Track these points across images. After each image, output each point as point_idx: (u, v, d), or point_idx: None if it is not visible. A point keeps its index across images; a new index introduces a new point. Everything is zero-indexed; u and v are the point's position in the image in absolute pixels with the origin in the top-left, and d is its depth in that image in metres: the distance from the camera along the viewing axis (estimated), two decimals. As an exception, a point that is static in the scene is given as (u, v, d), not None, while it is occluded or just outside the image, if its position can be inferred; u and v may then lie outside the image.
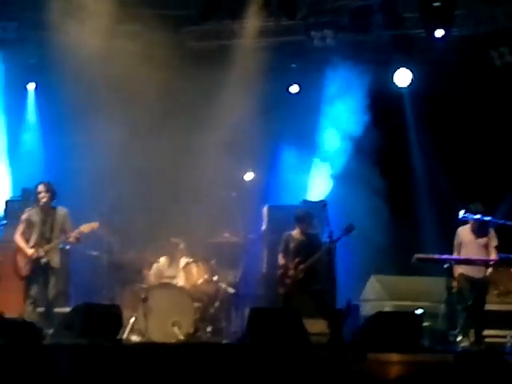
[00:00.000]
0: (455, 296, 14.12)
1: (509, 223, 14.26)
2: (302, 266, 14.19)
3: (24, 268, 13.78)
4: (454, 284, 14.09)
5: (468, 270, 14.01)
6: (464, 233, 14.26)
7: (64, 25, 17.47)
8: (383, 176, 17.54)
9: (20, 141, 18.45)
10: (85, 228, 13.93)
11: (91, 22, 17.54)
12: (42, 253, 13.67)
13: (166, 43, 16.98)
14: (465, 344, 13.49)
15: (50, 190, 13.91)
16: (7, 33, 16.77)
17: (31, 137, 18.62)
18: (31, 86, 18.68)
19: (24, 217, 14.00)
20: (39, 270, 13.73)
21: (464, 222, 14.22)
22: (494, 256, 14.03)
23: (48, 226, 13.86)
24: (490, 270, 14.05)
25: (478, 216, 14.04)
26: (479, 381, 6.94)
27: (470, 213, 14.01)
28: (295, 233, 14.51)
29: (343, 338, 11.32)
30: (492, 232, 14.17)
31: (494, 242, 14.13)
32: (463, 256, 14.12)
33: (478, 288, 14.01)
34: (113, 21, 17.51)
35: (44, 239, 13.78)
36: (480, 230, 14.13)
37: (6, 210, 15.83)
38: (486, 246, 14.11)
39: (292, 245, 14.43)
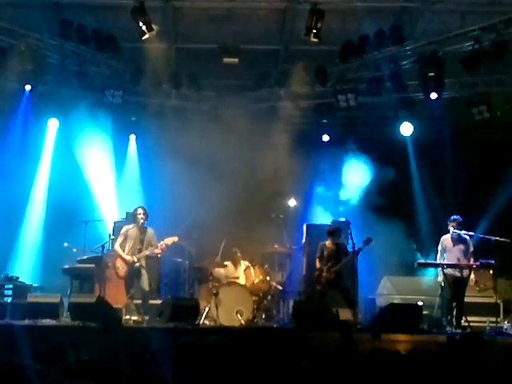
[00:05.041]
0: (444, 291, 13.95)
1: (486, 236, 14.16)
2: (333, 269, 14.12)
3: (122, 270, 13.85)
4: (440, 280, 13.94)
5: (452, 270, 13.78)
6: (446, 241, 14.00)
7: (155, 93, 17.80)
8: (392, 202, 17.48)
9: (124, 176, 18.61)
10: (168, 241, 13.96)
11: (174, 91, 17.85)
12: (135, 259, 13.80)
13: (229, 105, 17.18)
14: (449, 329, 13.23)
15: (146, 213, 13.98)
16: (115, 98, 16.97)
17: (132, 173, 18.78)
18: (132, 137, 18.91)
19: (123, 231, 14.07)
20: (134, 272, 13.79)
21: (447, 232, 14.06)
22: (472, 260, 13.80)
23: (140, 240, 13.91)
24: (472, 272, 13.88)
25: (463, 232, 13.94)
26: (465, 356, 6.94)
27: (454, 228, 13.92)
28: (328, 243, 14.28)
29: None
30: (469, 240, 13.93)
31: (471, 249, 13.87)
32: (447, 259, 13.85)
33: (459, 284, 13.77)
34: (190, 88, 17.77)
35: (136, 250, 13.85)
36: (458, 239, 13.94)
37: (113, 229, 15.91)
38: (464, 251, 13.84)
39: (326, 252, 14.21)
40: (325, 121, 18.47)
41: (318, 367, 6.03)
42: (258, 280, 14.90)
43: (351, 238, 14.16)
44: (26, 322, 12.60)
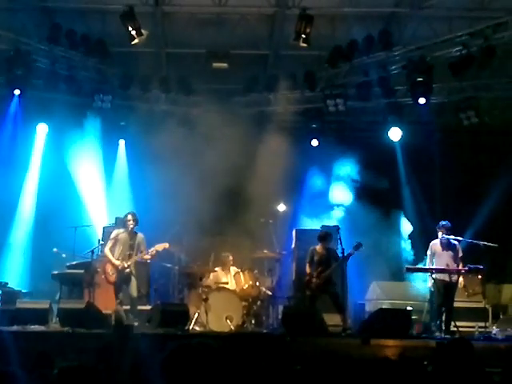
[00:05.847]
0: (433, 296, 13.98)
1: (475, 241, 14.20)
2: (323, 274, 14.11)
3: (111, 275, 13.86)
4: (429, 285, 13.96)
5: (441, 276, 13.77)
6: (435, 246, 13.99)
7: (144, 97, 17.81)
8: (381, 207, 17.47)
9: (113, 181, 18.55)
10: (159, 247, 13.99)
11: (163, 95, 17.84)
12: (125, 265, 13.78)
13: (218, 110, 17.15)
14: (438, 333, 13.25)
15: (135, 218, 13.98)
16: (104, 103, 16.98)
17: (121, 178, 18.70)
18: (121, 142, 18.81)
19: (113, 236, 14.07)
20: (123, 278, 13.81)
21: (436, 237, 14.08)
22: (461, 265, 13.81)
23: (130, 245, 13.92)
24: (461, 277, 13.89)
25: (452, 237, 13.96)
26: (453, 361, 6.97)
27: (443, 234, 13.93)
28: (318, 248, 14.27)
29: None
30: (458, 246, 13.97)
31: (460, 254, 13.89)
32: (436, 264, 13.84)
33: (449, 290, 13.76)
34: (179, 93, 17.78)
35: (126, 255, 13.86)
36: (447, 244, 13.95)
37: (103, 234, 15.86)
38: (453, 256, 13.86)
39: (316, 257, 14.19)
40: (314, 125, 18.45)
41: (309, 373, 6.04)
42: (247, 285, 14.86)
43: (341, 243, 14.11)
44: (15, 328, 12.55)
